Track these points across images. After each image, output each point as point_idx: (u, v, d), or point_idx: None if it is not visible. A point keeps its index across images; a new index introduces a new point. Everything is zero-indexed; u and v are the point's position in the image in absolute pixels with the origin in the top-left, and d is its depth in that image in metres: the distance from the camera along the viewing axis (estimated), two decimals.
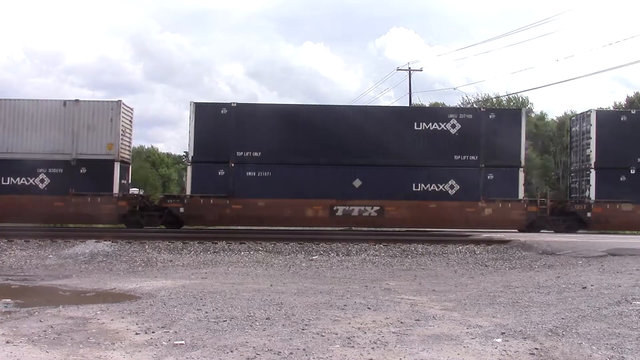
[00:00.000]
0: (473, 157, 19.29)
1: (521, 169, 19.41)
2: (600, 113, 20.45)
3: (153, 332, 5.55)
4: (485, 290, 8.69)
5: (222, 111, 19.39)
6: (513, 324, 5.98)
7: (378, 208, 19.12)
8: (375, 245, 14.60)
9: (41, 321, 6.10)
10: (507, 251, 13.99)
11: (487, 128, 19.38)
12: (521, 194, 19.37)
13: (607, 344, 5.07)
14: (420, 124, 19.40)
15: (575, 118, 22.20)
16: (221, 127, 19.28)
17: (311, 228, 19.11)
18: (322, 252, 13.90)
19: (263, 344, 5.08)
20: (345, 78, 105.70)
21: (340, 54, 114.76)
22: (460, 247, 14.49)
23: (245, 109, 19.79)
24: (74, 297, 8.29)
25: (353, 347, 5.02)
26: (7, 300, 7.62)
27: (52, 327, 5.81)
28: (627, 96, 49.46)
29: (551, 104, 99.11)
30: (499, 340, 5.25)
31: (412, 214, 19.17)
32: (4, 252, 13.44)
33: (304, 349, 4.90)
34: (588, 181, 19.72)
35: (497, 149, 19.27)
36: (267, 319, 6.20)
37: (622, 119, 20.10)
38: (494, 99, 53.54)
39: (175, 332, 5.58)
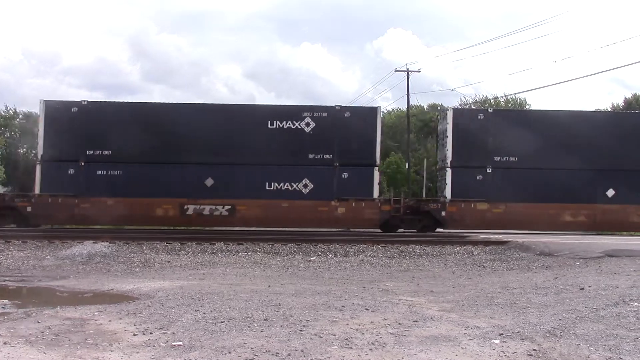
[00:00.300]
0: (327, 156, 19.03)
1: (376, 168, 19.20)
2: (457, 111, 19.57)
3: (151, 333, 5.54)
4: (483, 291, 8.70)
5: (72, 109, 19.06)
6: (511, 325, 5.98)
7: (229, 207, 18.88)
8: (373, 246, 14.60)
9: (39, 322, 6.09)
10: (504, 252, 14.00)
11: (342, 126, 19.10)
12: (376, 193, 19.12)
13: (604, 345, 5.08)
14: (274, 122, 19.11)
15: (440, 116, 21.81)
16: (71, 125, 18.96)
17: (310, 229, 19.08)
18: (320, 253, 13.90)
19: (261, 345, 5.08)
20: (343, 79, 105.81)
21: (338, 55, 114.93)
22: (458, 248, 14.50)
23: (95, 107, 19.55)
24: (72, 298, 8.29)
25: (351, 348, 5.02)
26: (4, 301, 7.61)
27: (49, 328, 5.80)
28: (625, 97, 49.57)
29: (549, 105, 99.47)
30: (497, 341, 5.26)
31: (264, 213, 18.91)
32: (1, 253, 13.40)
33: (302, 350, 4.90)
34: (445, 180, 19.42)
35: (352, 148, 19.06)
36: (265, 320, 6.20)
37: (479, 117, 19.52)
38: (492, 100, 53.64)
39: (173, 333, 5.57)
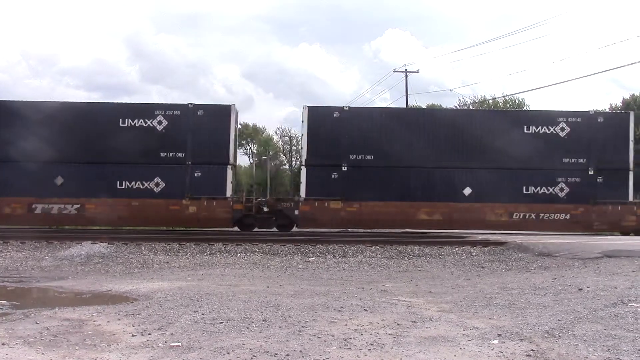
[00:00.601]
0: (180, 155, 19.00)
1: (229, 167, 19.15)
2: (312, 109, 19.55)
3: (149, 334, 5.54)
4: (481, 291, 8.71)
5: None
6: (509, 325, 5.99)
7: (78, 206, 18.79)
8: (371, 246, 14.61)
9: (37, 323, 6.09)
10: (503, 253, 14.01)
11: (195, 125, 19.08)
12: (229, 192, 19.06)
13: (603, 345, 5.08)
14: (126, 120, 19.00)
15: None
16: None
17: (309, 229, 19.08)
18: (318, 254, 13.90)
19: (260, 345, 5.08)
20: (341, 80, 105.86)
21: (336, 55, 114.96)
22: (456, 249, 14.51)
23: None
24: (70, 298, 8.28)
25: (350, 348, 5.02)
26: (2, 302, 7.61)
27: (48, 329, 5.79)
28: (623, 98, 49.67)
29: (548, 106, 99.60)
30: (496, 341, 5.26)
31: (114, 211, 18.87)
32: None
33: (300, 351, 4.89)
34: (300, 178, 19.36)
35: (205, 146, 19.04)
36: (263, 320, 6.20)
37: (335, 115, 19.31)
38: (490, 101, 53.70)
39: (172, 333, 5.57)
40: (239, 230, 19.44)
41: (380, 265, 12.73)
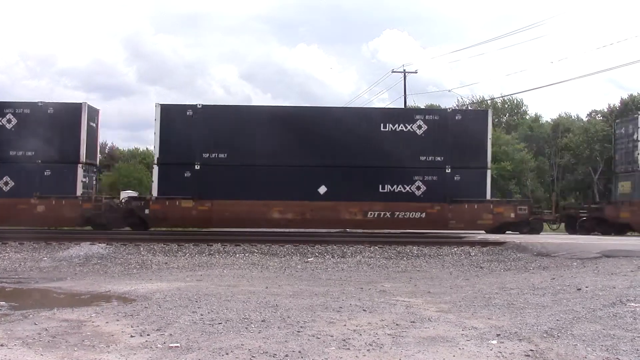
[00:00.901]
0: (30, 153, 19.05)
1: (80, 166, 19.11)
2: (164, 107, 19.31)
3: (148, 335, 5.53)
4: (480, 291, 8.71)
5: None
6: (508, 325, 5.99)
7: None
8: (370, 247, 14.60)
9: (36, 324, 6.08)
10: (502, 253, 14.01)
11: (45, 123, 19.02)
12: (79, 191, 19.08)
13: (602, 345, 5.09)
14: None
15: None
16: None
17: (307, 230, 19.09)
18: (317, 254, 13.90)
19: (258, 346, 5.07)
20: (339, 80, 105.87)
21: (334, 56, 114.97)
22: (455, 249, 14.51)
23: None
24: (69, 299, 8.26)
25: (348, 349, 5.02)
26: (1, 302, 7.59)
27: (46, 329, 5.79)
28: (621, 98, 49.69)
29: (546, 106, 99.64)
30: (495, 341, 5.26)
31: None
32: None
33: (299, 351, 4.89)
34: (152, 177, 19.22)
35: (56, 144, 19.05)
36: (262, 321, 6.20)
37: (188, 113, 19.13)
38: (489, 101, 53.72)
39: (171, 334, 5.56)
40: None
41: (379, 265, 12.73)
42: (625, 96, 49.51)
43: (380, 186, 18.95)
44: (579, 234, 19.54)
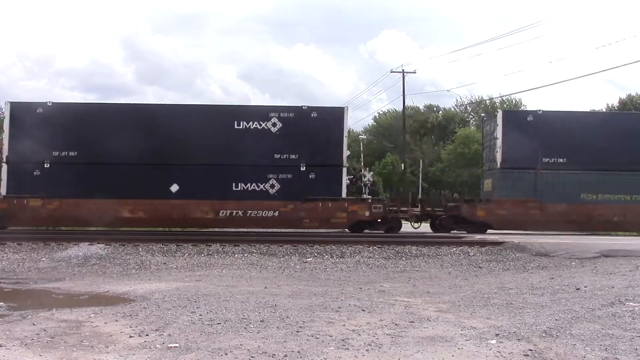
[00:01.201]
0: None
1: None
2: (14, 105, 18.92)
3: (147, 335, 5.53)
4: (479, 291, 8.71)
5: None
6: (507, 325, 5.99)
7: None
8: (369, 247, 14.59)
9: (34, 324, 6.07)
10: (501, 252, 14.01)
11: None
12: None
13: (600, 344, 5.09)
14: None
15: None
16: None
17: (306, 230, 19.07)
18: (316, 254, 13.89)
19: (257, 346, 5.07)
20: (337, 80, 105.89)
21: (332, 56, 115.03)
22: (454, 249, 14.52)
23: None
24: (67, 300, 8.25)
25: (347, 349, 5.02)
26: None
27: (45, 330, 5.78)
28: (620, 98, 49.79)
29: (545, 106, 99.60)
30: (493, 341, 5.26)
31: None
32: None
33: (298, 351, 4.89)
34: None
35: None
36: (261, 321, 6.19)
37: (38, 111, 18.59)
38: (487, 101, 53.78)
39: (170, 334, 5.56)
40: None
41: (378, 265, 12.73)
42: (623, 96, 49.67)
43: (234, 184, 18.75)
44: (442, 232, 19.51)
